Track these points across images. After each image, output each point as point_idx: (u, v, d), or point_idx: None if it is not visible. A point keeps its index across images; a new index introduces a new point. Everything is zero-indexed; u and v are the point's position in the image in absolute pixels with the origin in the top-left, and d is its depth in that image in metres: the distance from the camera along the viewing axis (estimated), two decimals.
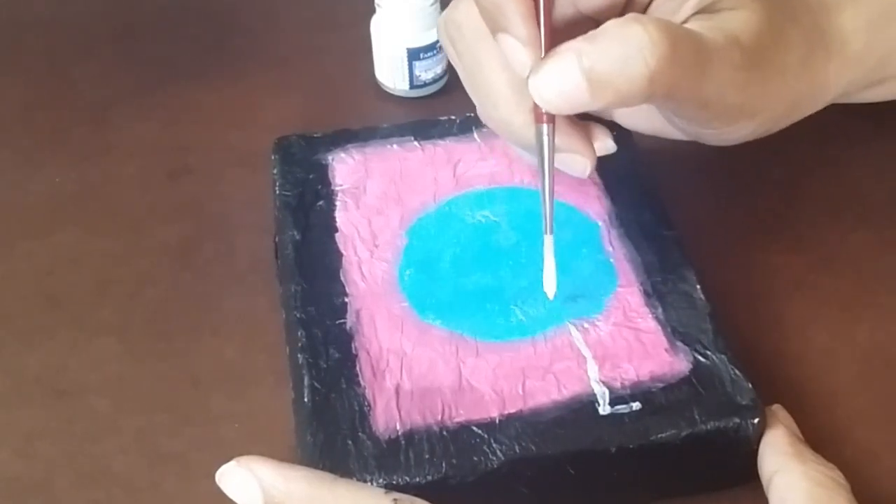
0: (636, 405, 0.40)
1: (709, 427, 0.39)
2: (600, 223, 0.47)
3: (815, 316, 0.48)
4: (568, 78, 0.38)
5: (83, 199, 0.55)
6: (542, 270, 0.43)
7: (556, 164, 0.42)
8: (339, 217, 0.47)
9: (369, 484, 0.38)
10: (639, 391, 0.40)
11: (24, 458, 0.44)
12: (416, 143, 0.51)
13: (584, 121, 0.45)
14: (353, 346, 0.42)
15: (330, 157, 0.50)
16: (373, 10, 0.58)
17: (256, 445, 0.37)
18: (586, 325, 0.43)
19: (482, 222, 0.47)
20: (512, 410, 0.40)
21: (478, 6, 0.42)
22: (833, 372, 0.46)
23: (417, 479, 0.38)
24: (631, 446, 0.39)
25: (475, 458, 0.38)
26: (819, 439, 0.41)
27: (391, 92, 0.60)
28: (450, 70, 0.58)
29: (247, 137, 0.57)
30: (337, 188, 0.49)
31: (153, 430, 0.44)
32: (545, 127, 0.41)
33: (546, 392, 0.40)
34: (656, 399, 0.40)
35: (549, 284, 0.43)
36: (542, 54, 0.40)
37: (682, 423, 0.39)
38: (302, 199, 0.48)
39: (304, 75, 0.62)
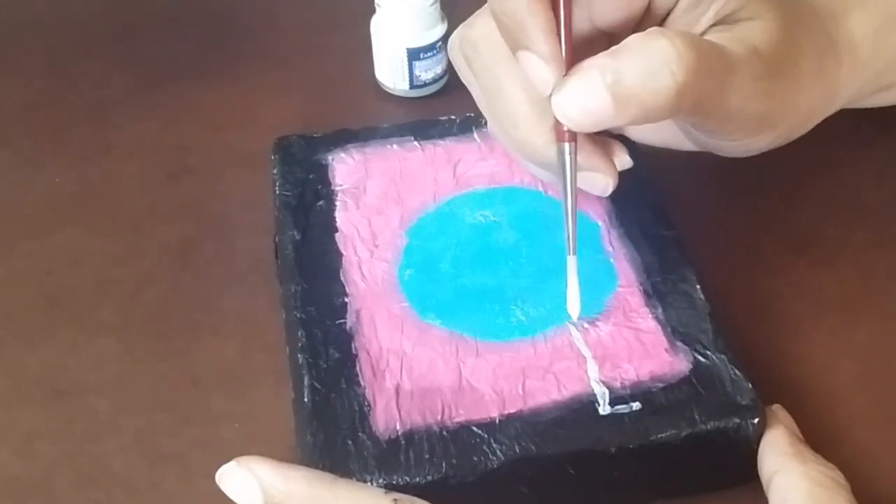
0: (636, 405, 0.40)
1: (709, 427, 0.39)
2: (600, 223, 0.47)
3: (815, 316, 0.48)
4: (592, 95, 0.37)
5: (83, 199, 0.55)
6: (542, 272, 0.43)
7: (577, 183, 0.42)
8: (339, 217, 0.47)
9: (369, 484, 0.38)
10: (639, 391, 0.40)
11: (24, 458, 0.44)
12: (416, 143, 0.51)
13: (603, 137, 0.44)
14: (353, 346, 0.42)
15: (330, 157, 0.50)
16: (373, 10, 0.58)
17: (256, 445, 0.37)
18: (586, 325, 0.43)
19: (482, 222, 0.47)
20: (512, 410, 0.40)
21: (497, 23, 0.41)
22: (833, 372, 0.46)
23: (417, 479, 0.38)
24: (631, 446, 0.39)
25: (475, 458, 0.38)
26: (819, 439, 0.41)
27: (391, 92, 0.60)
28: (450, 70, 0.58)
29: (247, 137, 0.57)
30: (337, 188, 0.49)
31: (153, 430, 0.44)
32: (567, 146, 0.41)
33: (546, 392, 0.40)
34: (656, 399, 0.40)
35: (573, 306, 0.42)
36: (565, 72, 0.39)
37: (682, 423, 0.39)
38: (302, 199, 0.48)
39: (304, 75, 0.62)
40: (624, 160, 0.44)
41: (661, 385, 0.40)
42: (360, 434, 0.39)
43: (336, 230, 0.47)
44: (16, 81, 0.62)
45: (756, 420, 0.39)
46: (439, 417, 0.40)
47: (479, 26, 0.43)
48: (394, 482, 0.38)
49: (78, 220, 0.54)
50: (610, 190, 0.44)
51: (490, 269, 0.45)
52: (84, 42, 0.65)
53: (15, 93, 0.61)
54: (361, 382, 0.41)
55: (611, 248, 0.46)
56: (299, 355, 0.42)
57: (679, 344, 0.42)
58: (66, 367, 0.47)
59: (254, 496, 0.34)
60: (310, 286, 0.44)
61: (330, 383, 0.41)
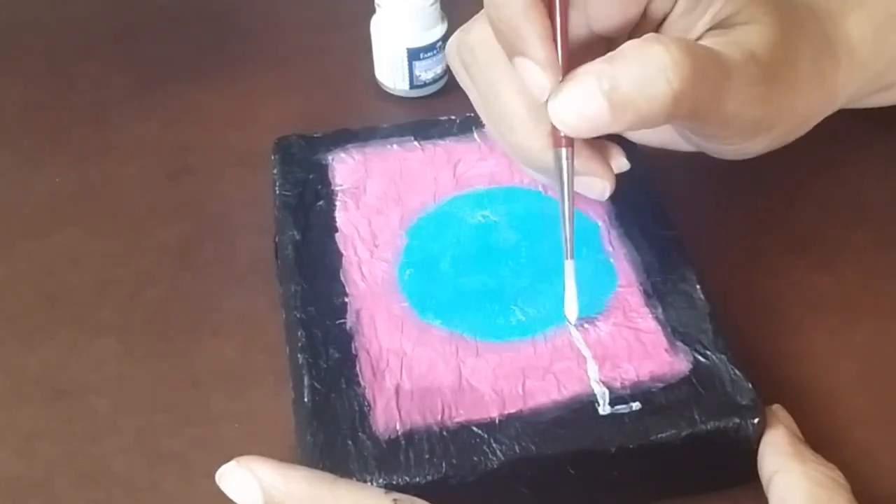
0: (636, 405, 0.40)
1: (709, 427, 0.39)
2: (600, 223, 0.47)
3: (815, 316, 0.48)
4: (589, 100, 0.37)
5: (83, 199, 0.55)
6: (542, 272, 0.43)
7: (574, 188, 0.42)
8: (339, 217, 0.47)
9: (369, 484, 0.38)
10: (639, 391, 0.40)
11: (24, 458, 0.44)
12: (416, 143, 0.51)
13: (600, 141, 0.44)
14: (353, 346, 0.42)
15: (330, 157, 0.50)
16: (373, 10, 0.58)
17: (256, 445, 0.37)
18: (586, 325, 0.43)
19: (482, 222, 0.47)
20: (512, 410, 0.40)
21: (493, 29, 0.41)
22: (833, 372, 0.46)
23: (417, 479, 0.38)
24: (631, 446, 0.39)
25: (475, 458, 0.38)
26: (819, 439, 0.41)
27: (391, 92, 0.60)
28: (450, 70, 0.58)
29: (247, 137, 0.57)
30: (337, 188, 0.49)
31: (153, 430, 0.44)
32: (564, 151, 0.41)
33: (546, 392, 0.40)
34: (656, 399, 0.40)
35: (571, 309, 0.42)
36: (561, 77, 0.39)
37: (682, 423, 0.39)
38: (302, 199, 0.48)
39: (304, 75, 0.62)
40: (621, 163, 0.44)
41: (661, 385, 0.40)
42: (360, 434, 0.39)
43: (336, 230, 0.47)
44: (16, 81, 0.62)
45: (756, 420, 0.39)
46: (439, 417, 0.40)
47: (476, 32, 0.43)
48: (394, 482, 0.38)
49: (78, 220, 0.54)
50: (608, 194, 0.44)
51: (490, 269, 0.45)
52: (84, 42, 0.65)
53: (15, 93, 0.61)
54: (361, 382, 0.41)
55: (611, 248, 0.46)
56: (299, 355, 0.42)
57: (679, 344, 0.42)
58: (66, 367, 0.47)
59: (254, 496, 0.34)
60: (310, 286, 0.44)
61: (330, 383, 0.41)
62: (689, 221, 0.48)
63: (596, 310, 0.43)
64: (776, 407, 0.41)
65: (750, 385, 0.40)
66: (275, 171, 0.50)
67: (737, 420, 0.39)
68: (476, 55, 0.43)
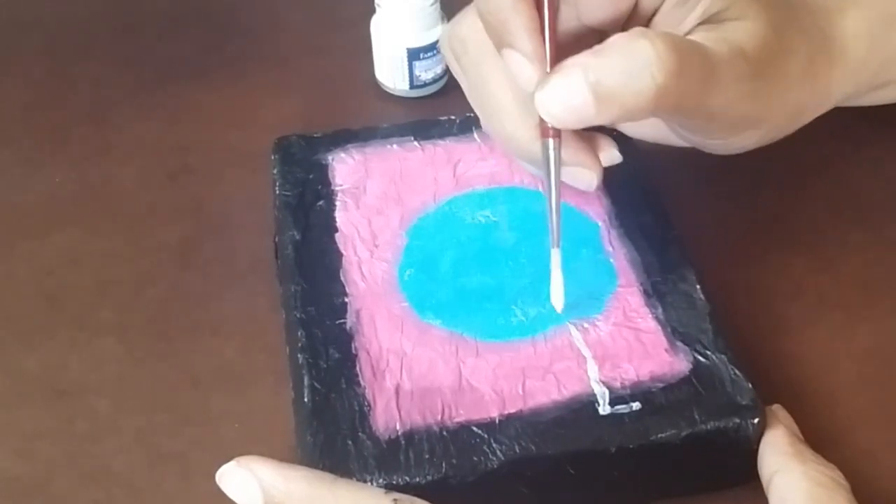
0: (636, 405, 0.40)
1: (709, 427, 0.39)
2: (600, 223, 0.47)
3: (815, 316, 0.48)
4: (574, 93, 0.37)
5: (83, 199, 0.55)
6: (542, 272, 0.43)
7: (562, 178, 0.42)
8: (339, 217, 0.47)
9: (369, 484, 0.38)
10: (639, 391, 0.40)
11: (24, 458, 0.44)
12: (416, 143, 0.51)
13: (590, 132, 0.44)
14: (353, 346, 0.42)
15: (330, 157, 0.50)
16: (373, 10, 0.58)
17: (256, 445, 0.37)
18: (586, 325, 0.43)
19: (482, 222, 0.47)
20: (512, 410, 0.40)
21: (482, 22, 0.41)
22: (833, 372, 0.46)
23: (417, 479, 0.38)
24: (631, 446, 0.39)
25: (475, 458, 0.38)
26: (819, 439, 0.41)
27: (391, 92, 0.60)
28: (450, 70, 0.58)
29: (247, 137, 0.57)
30: (337, 188, 0.49)
31: (153, 430, 0.44)
32: (551, 142, 0.41)
33: (546, 392, 0.40)
34: (656, 399, 0.40)
35: (557, 298, 0.43)
36: (548, 69, 0.40)
37: (682, 423, 0.39)
38: (302, 199, 0.48)
39: (304, 75, 0.62)
40: (612, 155, 0.44)
41: (661, 385, 0.40)
42: (360, 434, 0.39)
43: (336, 230, 0.47)
44: (16, 81, 0.62)
45: (756, 420, 0.39)
46: (439, 417, 0.40)
47: (466, 24, 0.44)
48: (394, 482, 0.38)
49: (78, 220, 0.54)
50: (595, 185, 0.44)
51: (490, 269, 0.45)
52: (84, 42, 0.65)
53: (15, 93, 0.61)
54: (361, 382, 0.41)
55: (611, 248, 0.46)
56: (299, 355, 0.42)
57: (679, 344, 0.42)
58: (66, 367, 0.47)
59: (254, 496, 0.34)
60: (310, 286, 0.44)
61: (330, 383, 0.41)
62: (689, 221, 0.48)
63: (596, 310, 0.43)
64: (776, 407, 0.41)
65: (750, 385, 0.40)
66: (275, 171, 0.50)
67: (737, 420, 0.39)
68: (467, 47, 0.44)
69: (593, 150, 0.44)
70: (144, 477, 0.43)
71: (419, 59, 0.58)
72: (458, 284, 0.44)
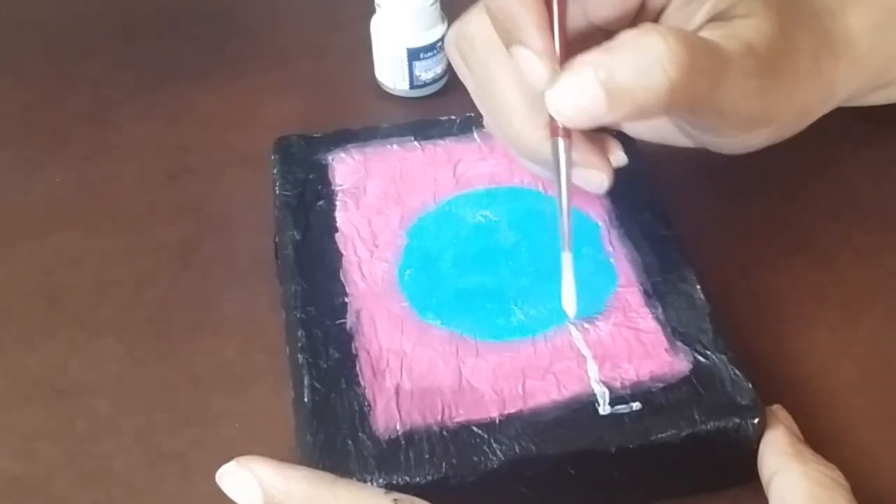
0: (636, 405, 0.40)
1: (709, 427, 0.39)
2: (600, 223, 0.47)
3: (815, 316, 0.48)
4: (586, 90, 0.37)
5: (83, 199, 0.55)
6: (542, 272, 0.43)
7: (573, 180, 0.42)
8: (339, 217, 0.47)
9: (369, 484, 0.38)
10: (639, 391, 0.40)
11: (24, 458, 0.44)
12: (416, 143, 0.51)
13: (598, 133, 0.44)
14: (353, 346, 0.42)
15: (330, 157, 0.50)
16: (373, 10, 0.58)
17: (256, 445, 0.37)
18: (586, 325, 0.43)
19: (482, 222, 0.47)
20: (512, 410, 0.40)
21: (491, 19, 0.41)
22: (833, 372, 0.46)
23: (417, 479, 0.38)
24: (631, 446, 0.39)
25: (475, 458, 0.38)
26: (819, 439, 0.41)
27: (391, 92, 0.60)
28: (450, 70, 0.58)
29: (247, 137, 0.57)
30: (337, 188, 0.49)
31: (153, 430, 0.44)
32: (561, 142, 0.40)
33: (546, 392, 0.40)
34: (656, 399, 0.40)
35: (569, 303, 0.42)
36: (558, 67, 0.39)
37: (682, 423, 0.39)
38: (302, 199, 0.48)
39: (304, 75, 0.62)
40: (619, 157, 0.44)
41: (661, 385, 0.40)
42: (360, 434, 0.39)
43: (336, 230, 0.47)
44: (16, 81, 0.62)
45: (756, 420, 0.39)
46: (439, 417, 0.40)
47: (474, 22, 0.43)
48: (394, 482, 0.38)
49: (78, 220, 0.54)
50: (605, 187, 0.43)
51: (490, 269, 0.45)
52: (84, 42, 0.65)
53: (15, 93, 0.61)
54: (361, 382, 0.41)
55: (611, 248, 0.46)
56: (299, 355, 0.42)
57: (679, 344, 0.42)
58: (66, 367, 0.47)
59: (254, 496, 0.34)
60: (310, 286, 0.44)
61: (330, 383, 0.41)
62: (689, 221, 0.48)
63: (596, 310, 0.43)
64: (776, 407, 0.41)
65: (750, 385, 0.40)
66: (275, 171, 0.50)
67: (737, 420, 0.39)
68: (474, 46, 0.43)
69: (603, 151, 0.43)
70: (144, 477, 0.43)
71: (419, 59, 0.58)
72: (458, 284, 0.44)
